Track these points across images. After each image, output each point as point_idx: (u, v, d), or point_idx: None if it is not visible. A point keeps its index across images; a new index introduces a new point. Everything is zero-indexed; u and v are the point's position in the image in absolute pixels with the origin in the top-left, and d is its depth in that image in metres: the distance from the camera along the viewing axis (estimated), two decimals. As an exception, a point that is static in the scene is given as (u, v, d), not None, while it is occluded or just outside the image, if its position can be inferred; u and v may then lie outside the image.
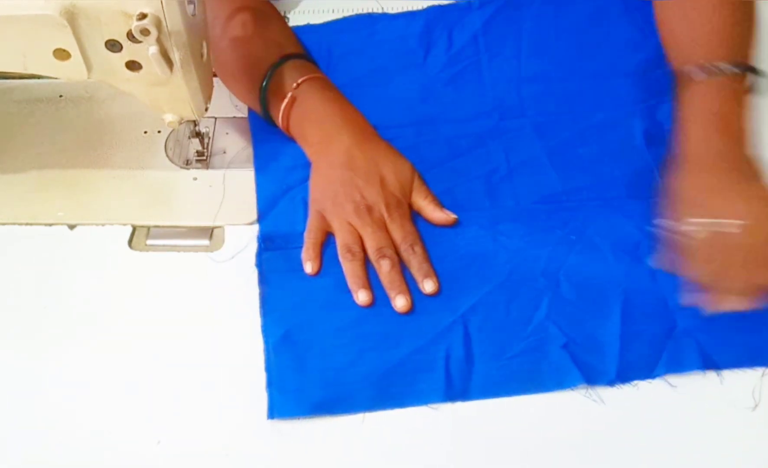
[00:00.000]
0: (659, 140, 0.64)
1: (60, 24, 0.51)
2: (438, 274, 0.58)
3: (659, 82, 0.67)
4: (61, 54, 0.54)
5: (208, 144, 0.67)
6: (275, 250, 0.60)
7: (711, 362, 0.53)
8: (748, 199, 0.56)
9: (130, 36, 0.53)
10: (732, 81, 0.59)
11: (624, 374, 0.53)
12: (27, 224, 0.63)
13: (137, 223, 0.63)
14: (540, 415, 0.52)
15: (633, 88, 0.68)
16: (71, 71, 0.55)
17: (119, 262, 0.61)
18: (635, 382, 0.53)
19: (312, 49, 0.72)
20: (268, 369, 0.54)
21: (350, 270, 0.58)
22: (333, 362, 0.54)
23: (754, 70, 0.60)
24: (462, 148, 0.66)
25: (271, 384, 0.53)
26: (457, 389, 0.53)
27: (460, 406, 0.53)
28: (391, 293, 0.57)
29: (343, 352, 0.55)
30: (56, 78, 0.57)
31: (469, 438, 0.51)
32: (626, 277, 0.57)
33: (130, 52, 0.54)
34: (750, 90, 0.60)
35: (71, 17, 0.52)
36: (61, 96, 0.72)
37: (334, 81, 0.68)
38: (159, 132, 0.69)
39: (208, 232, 0.63)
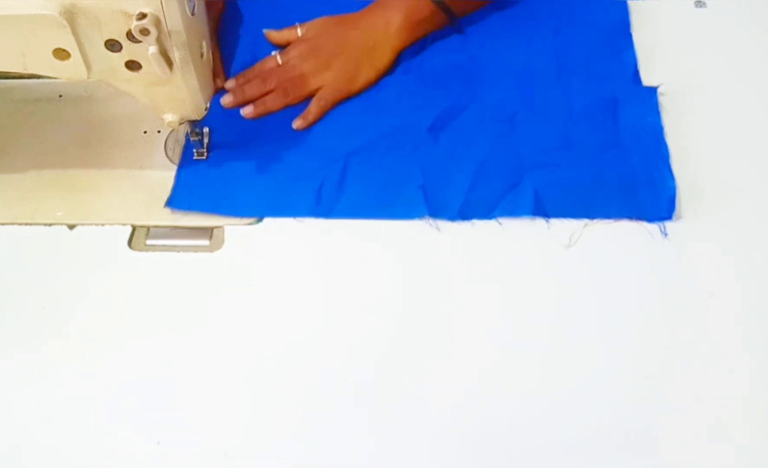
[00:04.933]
0: (565, 33, 0.73)
1: (59, 24, 0.51)
2: (337, 120, 0.68)
3: (572, 13, 0.75)
4: (61, 54, 0.54)
5: (207, 144, 0.67)
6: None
7: (542, 210, 0.61)
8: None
9: (130, 36, 0.53)
10: (425, 2, 0.71)
11: (465, 212, 0.61)
12: (26, 224, 0.63)
13: (137, 223, 0.63)
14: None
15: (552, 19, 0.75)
16: (71, 71, 0.55)
17: (119, 262, 0.61)
18: (474, 220, 0.61)
19: None
20: (178, 170, 0.65)
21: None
22: (231, 175, 0.65)
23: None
24: None
25: (177, 180, 0.64)
26: (324, 208, 0.63)
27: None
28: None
29: (240, 169, 0.65)
30: (56, 78, 0.57)
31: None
32: (495, 140, 0.66)
33: (129, 51, 0.54)
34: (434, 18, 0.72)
35: (71, 17, 0.52)
36: (60, 96, 0.72)
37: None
38: (159, 132, 0.69)
39: (208, 232, 0.62)
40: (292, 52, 0.71)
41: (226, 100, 0.69)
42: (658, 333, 0.56)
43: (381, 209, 0.62)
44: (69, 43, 0.53)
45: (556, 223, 0.61)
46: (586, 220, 0.61)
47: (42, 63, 0.55)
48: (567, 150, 0.65)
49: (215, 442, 0.53)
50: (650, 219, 0.61)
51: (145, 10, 0.51)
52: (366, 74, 0.70)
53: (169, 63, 0.55)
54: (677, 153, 0.64)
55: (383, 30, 0.71)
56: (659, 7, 0.75)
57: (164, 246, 0.62)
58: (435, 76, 0.71)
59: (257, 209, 0.63)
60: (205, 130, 0.66)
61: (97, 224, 0.63)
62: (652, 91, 0.68)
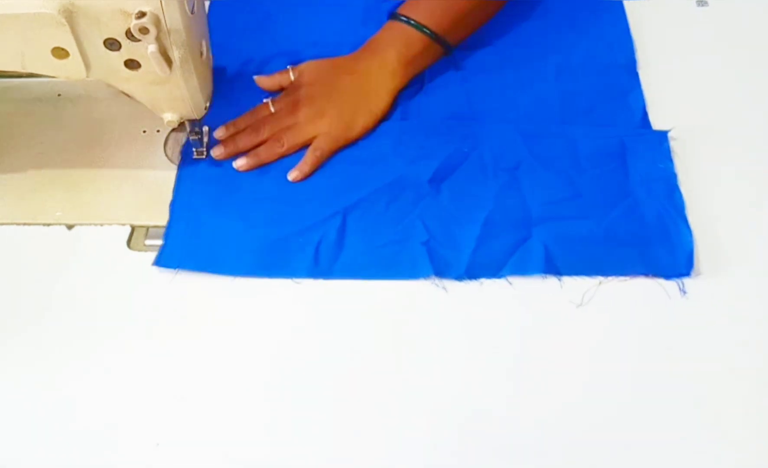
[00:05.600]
0: (568, 74, 0.70)
1: (59, 22, 0.51)
2: (333, 173, 0.64)
3: (581, 25, 0.74)
4: (60, 53, 0.54)
5: (207, 143, 0.66)
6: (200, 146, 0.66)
7: (554, 268, 0.58)
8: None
9: (129, 35, 0.53)
10: (418, 36, 0.69)
11: (472, 271, 0.59)
12: (25, 224, 0.63)
13: (136, 223, 0.63)
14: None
15: (558, 28, 0.73)
16: (70, 70, 0.55)
17: (118, 263, 0.61)
18: (482, 279, 0.58)
19: None
20: (167, 228, 0.62)
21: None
22: (223, 233, 0.61)
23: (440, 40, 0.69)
24: None
25: (166, 238, 0.61)
26: (322, 268, 0.59)
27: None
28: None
29: (234, 225, 0.62)
30: (55, 77, 0.57)
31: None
32: (499, 192, 0.63)
33: (129, 50, 0.54)
34: (429, 51, 0.70)
35: (70, 16, 0.51)
36: (59, 95, 0.71)
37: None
38: (158, 131, 0.68)
39: (208, 232, 0.62)
40: (285, 100, 0.68)
41: (217, 151, 0.65)
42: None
43: (383, 269, 0.59)
44: (68, 42, 0.53)
45: (569, 281, 0.58)
46: (600, 278, 0.58)
47: (41, 62, 0.55)
48: (576, 201, 0.62)
49: (215, 442, 0.52)
50: (667, 276, 0.58)
51: (145, 9, 0.51)
52: (363, 121, 0.67)
53: (169, 62, 0.55)
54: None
55: (378, 72, 0.68)
56: (660, 7, 0.75)
57: (164, 246, 0.61)
58: (434, 124, 0.67)
59: (251, 268, 0.59)
60: (205, 129, 0.66)
61: (96, 224, 0.63)
62: (663, 135, 0.65)
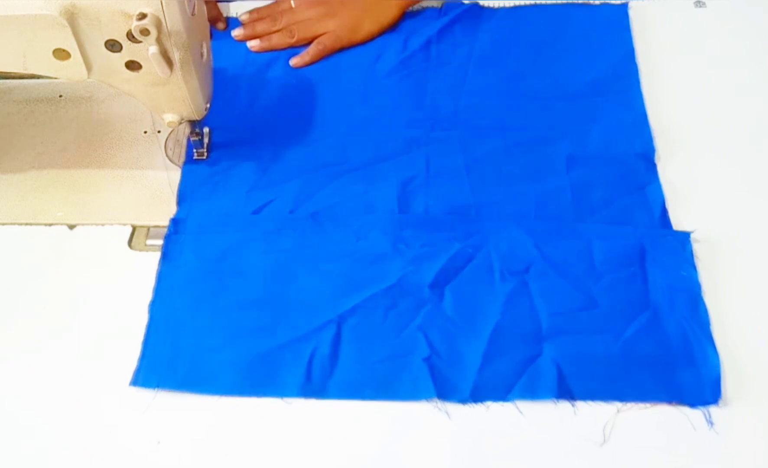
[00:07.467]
0: (581, 164, 0.64)
1: (60, 24, 0.51)
2: (327, 274, 0.59)
3: (595, 108, 0.68)
4: (61, 54, 0.54)
5: (207, 144, 0.67)
6: (183, 234, 0.61)
7: (567, 392, 0.53)
8: None
9: (130, 36, 0.53)
10: None
11: (478, 394, 0.53)
12: (27, 224, 0.63)
13: (137, 223, 0.63)
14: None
15: (569, 112, 0.68)
16: (71, 71, 0.55)
17: (119, 262, 0.61)
18: (488, 403, 0.53)
19: None
20: (145, 339, 0.56)
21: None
22: (205, 343, 0.56)
23: None
24: (387, 154, 0.66)
25: (143, 353, 0.55)
26: (315, 387, 0.54)
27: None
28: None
29: (217, 335, 0.56)
30: (56, 78, 0.57)
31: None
32: (507, 300, 0.57)
33: (129, 52, 0.54)
34: None
35: (71, 17, 0.52)
36: (60, 96, 0.72)
37: (288, 69, 0.73)
38: (159, 132, 0.69)
39: (208, 232, 0.62)
40: None
41: (238, 32, 0.74)
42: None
43: (382, 388, 0.54)
44: (69, 44, 0.53)
45: (583, 406, 0.52)
46: (617, 404, 0.52)
47: (42, 63, 0.55)
48: (591, 312, 0.56)
49: (215, 441, 0.53)
50: (693, 403, 0.52)
51: (146, 11, 0.51)
52: (368, 27, 0.73)
53: (170, 63, 0.55)
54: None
55: None
56: (659, 7, 0.75)
57: (164, 246, 0.62)
58: (436, 218, 0.62)
59: (236, 386, 0.54)
60: (205, 130, 0.66)
61: (97, 224, 0.63)
62: (685, 237, 0.59)
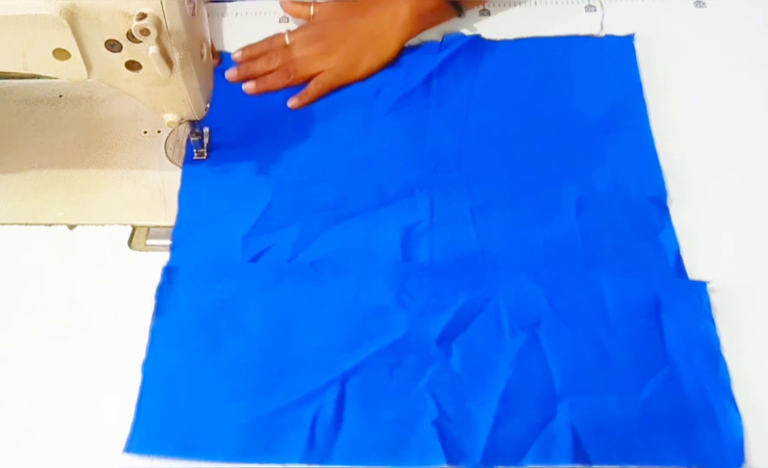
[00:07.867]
0: (590, 207, 0.62)
1: (60, 24, 0.51)
2: (329, 328, 0.56)
3: (604, 147, 0.65)
4: (61, 54, 0.54)
5: (207, 144, 0.67)
6: (177, 284, 0.59)
7: (583, 457, 0.51)
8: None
9: (130, 36, 0.53)
10: None
11: (490, 459, 0.51)
12: (27, 224, 0.63)
13: (137, 223, 0.63)
14: None
15: (575, 152, 0.65)
16: (71, 71, 0.55)
17: (119, 263, 0.61)
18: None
19: None
20: (138, 402, 0.53)
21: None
22: (201, 406, 0.53)
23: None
24: (389, 197, 0.63)
25: (137, 418, 0.53)
26: (318, 452, 0.51)
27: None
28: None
29: (213, 398, 0.53)
30: (56, 78, 0.57)
31: None
32: (518, 357, 0.54)
33: (129, 52, 0.54)
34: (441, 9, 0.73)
35: (71, 17, 0.52)
36: (60, 96, 0.72)
37: (282, 108, 0.69)
38: (159, 132, 0.69)
39: (208, 232, 0.62)
40: (300, 34, 0.72)
41: (231, 73, 0.71)
42: None
43: (389, 454, 0.51)
44: (69, 44, 0.53)
45: None
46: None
47: (42, 63, 0.55)
48: (605, 370, 0.54)
49: (215, 441, 0.53)
50: None
51: (146, 11, 0.51)
52: (369, 63, 0.71)
53: (170, 63, 0.55)
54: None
55: (391, 19, 0.71)
56: (659, 7, 0.75)
57: (164, 246, 0.62)
58: (441, 267, 0.59)
59: (235, 453, 0.51)
60: (205, 130, 0.66)
61: (97, 224, 0.63)
62: (701, 287, 0.57)
